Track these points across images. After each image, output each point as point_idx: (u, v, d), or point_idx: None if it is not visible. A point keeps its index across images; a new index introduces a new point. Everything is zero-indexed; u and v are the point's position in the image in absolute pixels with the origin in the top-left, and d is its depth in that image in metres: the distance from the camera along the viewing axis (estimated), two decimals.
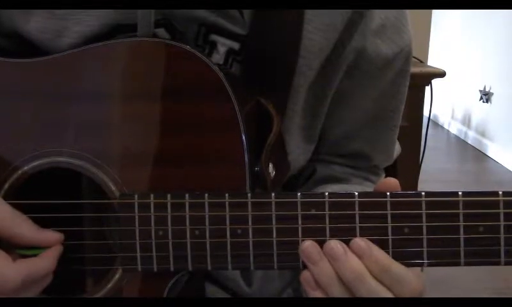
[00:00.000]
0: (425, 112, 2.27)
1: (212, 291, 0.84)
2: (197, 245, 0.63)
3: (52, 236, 0.65)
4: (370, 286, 0.59)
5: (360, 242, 0.60)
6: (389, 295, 0.60)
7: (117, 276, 0.67)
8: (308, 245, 0.61)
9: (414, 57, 2.28)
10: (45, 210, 0.66)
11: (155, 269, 0.65)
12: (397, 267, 0.60)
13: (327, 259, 0.61)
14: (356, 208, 0.61)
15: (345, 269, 0.60)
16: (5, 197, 0.67)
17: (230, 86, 0.64)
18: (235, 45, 0.74)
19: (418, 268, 0.63)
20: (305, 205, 0.61)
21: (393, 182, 0.62)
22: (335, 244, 0.61)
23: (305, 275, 0.62)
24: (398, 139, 2.08)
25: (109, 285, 0.68)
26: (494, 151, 5.21)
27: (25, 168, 0.68)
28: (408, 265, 0.61)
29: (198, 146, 0.66)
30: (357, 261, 0.60)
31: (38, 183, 0.67)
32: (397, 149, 0.96)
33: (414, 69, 2.13)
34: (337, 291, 0.60)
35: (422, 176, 2.37)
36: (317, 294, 0.61)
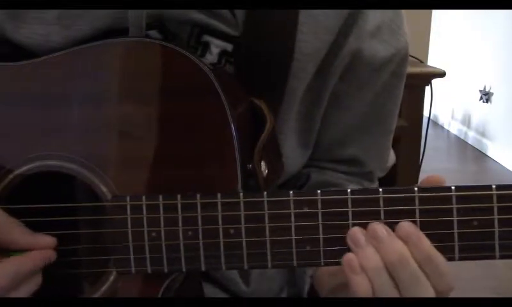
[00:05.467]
0: (425, 112, 2.27)
1: (211, 291, 0.83)
2: (190, 246, 0.63)
3: (44, 240, 0.65)
4: (412, 272, 0.58)
5: (407, 225, 0.60)
6: (428, 284, 0.59)
7: (111, 278, 0.67)
8: (357, 231, 0.60)
9: (414, 57, 2.29)
10: (37, 214, 0.66)
11: (149, 271, 0.65)
12: (439, 258, 0.59)
13: (372, 245, 0.60)
14: (349, 205, 0.60)
15: (389, 251, 0.59)
16: None
17: (221, 86, 0.64)
18: (228, 47, 0.74)
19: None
20: (298, 203, 0.61)
21: (437, 177, 0.62)
22: (379, 226, 0.60)
23: (349, 256, 0.60)
24: (398, 139, 2.08)
25: (104, 287, 0.67)
26: (494, 151, 5.20)
27: (17, 172, 0.67)
28: None
29: (189, 146, 0.65)
30: (401, 245, 0.59)
31: (31, 187, 0.67)
32: (392, 158, 0.95)
33: (414, 69, 2.13)
34: (382, 278, 0.59)
35: (422, 176, 2.36)
36: (359, 279, 0.60)
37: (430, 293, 0.59)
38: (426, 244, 0.59)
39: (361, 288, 0.59)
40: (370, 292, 0.59)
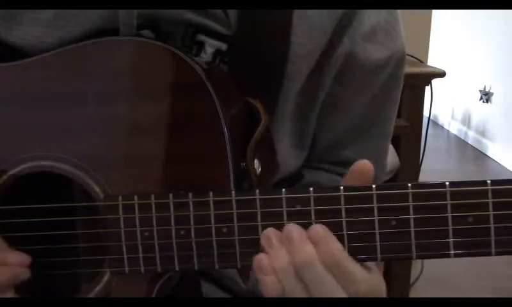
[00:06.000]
0: (425, 112, 2.27)
1: (210, 290, 0.83)
2: (183, 245, 0.63)
3: (14, 258, 0.66)
4: (318, 273, 0.59)
5: (318, 228, 0.60)
6: (336, 287, 0.59)
7: (106, 278, 0.67)
8: (270, 230, 0.61)
9: (414, 57, 2.29)
10: (30, 215, 0.66)
11: (143, 270, 0.65)
12: (347, 263, 0.59)
13: (285, 247, 0.60)
14: (342, 202, 0.60)
15: (297, 253, 0.59)
16: None
17: (213, 85, 0.64)
18: (223, 46, 0.73)
19: (377, 272, 0.62)
20: (290, 201, 0.61)
21: (364, 163, 0.62)
22: (294, 227, 0.60)
23: (260, 257, 0.61)
24: (398, 139, 2.07)
25: (98, 287, 0.67)
26: (494, 151, 5.20)
27: (11, 172, 0.67)
28: (396, 259, 0.61)
29: (182, 146, 0.65)
30: (310, 247, 0.59)
31: (24, 187, 0.67)
32: (394, 162, 0.94)
33: (414, 69, 2.14)
34: (289, 279, 0.60)
35: (422, 176, 2.37)
36: (268, 279, 0.60)
37: (339, 294, 0.59)
38: (335, 247, 0.59)
39: (270, 288, 0.60)
40: (280, 292, 0.60)
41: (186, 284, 0.74)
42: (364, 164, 0.62)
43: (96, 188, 0.66)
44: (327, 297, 0.60)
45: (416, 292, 2.59)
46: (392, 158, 0.89)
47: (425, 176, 2.47)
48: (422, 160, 2.26)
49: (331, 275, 0.59)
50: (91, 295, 0.67)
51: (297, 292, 0.60)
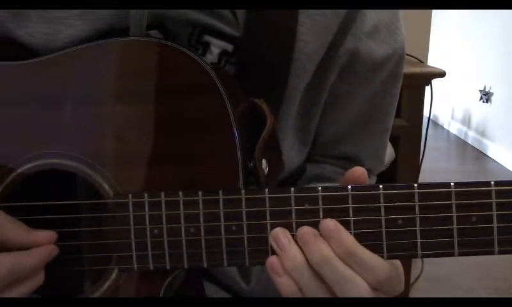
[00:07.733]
0: (425, 112, 2.27)
1: (212, 290, 0.84)
2: (192, 243, 0.64)
3: (42, 236, 0.65)
4: (336, 269, 0.60)
5: (329, 222, 0.61)
6: (357, 278, 0.60)
7: (113, 276, 0.67)
8: (278, 231, 0.62)
9: (414, 57, 2.29)
10: (40, 212, 0.66)
11: (151, 268, 0.65)
12: (362, 252, 0.60)
13: (296, 246, 0.61)
14: (350, 202, 0.61)
15: (313, 252, 0.60)
16: None
17: (222, 84, 0.64)
18: (229, 47, 0.74)
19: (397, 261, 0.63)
20: (299, 200, 0.62)
21: (358, 170, 0.63)
22: (307, 229, 0.61)
23: (271, 260, 0.62)
24: (398, 139, 2.07)
25: (106, 285, 0.68)
26: (494, 151, 5.20)
27: (20, 170, 0.68)
28: (402, 257, 0.62)
29: (191, 145, 0.65)
30: (325, 245, 0.60)
31: (33, 185, 0.67)
32: (390, 154, 0.96)
33: (414, 69, 2.14)
34: (304, 278, 0.61)
35: (422, 176, 2.37)
36: (283, 281, 0.61)
37: (362, 286, 0.60)
38: (348, 239, 0.60)
39: (287, 289, 0.61)
40: (297, 292, 0.61)
41: (190, 283, 0.74)
42: (357, 170, 0.63)
43: (106, 186, 0.66)
44: (321, 298, 0.61)
45: (416, 292, 2.59)
46: (387, 150, 0.92)
47: (425, 176, 2.47)
48: (422, 160, 2.26)
49: (349, 267, 0.60)
50: (98, 293, 0.68)
51: (315, 289, 0.61)
